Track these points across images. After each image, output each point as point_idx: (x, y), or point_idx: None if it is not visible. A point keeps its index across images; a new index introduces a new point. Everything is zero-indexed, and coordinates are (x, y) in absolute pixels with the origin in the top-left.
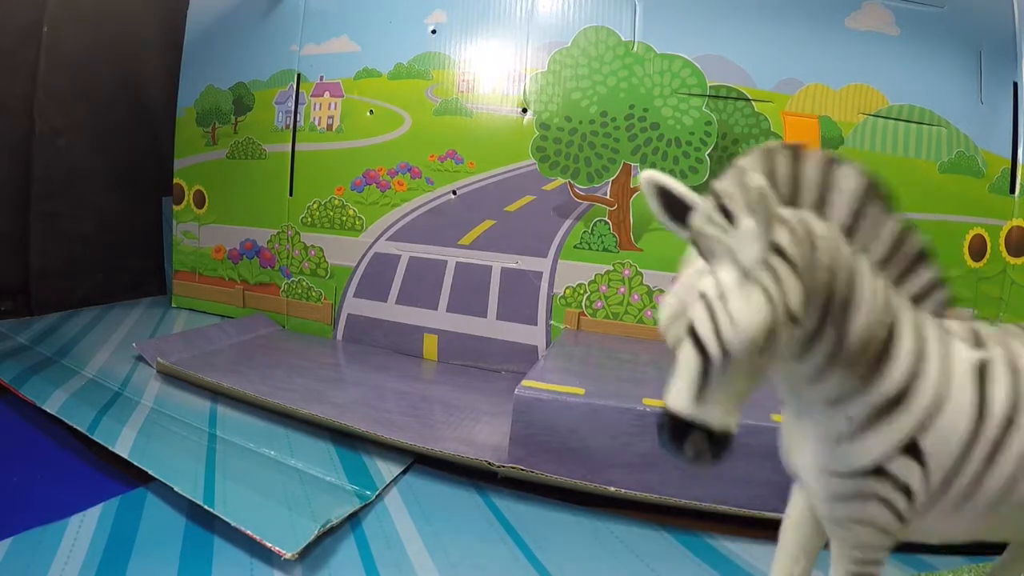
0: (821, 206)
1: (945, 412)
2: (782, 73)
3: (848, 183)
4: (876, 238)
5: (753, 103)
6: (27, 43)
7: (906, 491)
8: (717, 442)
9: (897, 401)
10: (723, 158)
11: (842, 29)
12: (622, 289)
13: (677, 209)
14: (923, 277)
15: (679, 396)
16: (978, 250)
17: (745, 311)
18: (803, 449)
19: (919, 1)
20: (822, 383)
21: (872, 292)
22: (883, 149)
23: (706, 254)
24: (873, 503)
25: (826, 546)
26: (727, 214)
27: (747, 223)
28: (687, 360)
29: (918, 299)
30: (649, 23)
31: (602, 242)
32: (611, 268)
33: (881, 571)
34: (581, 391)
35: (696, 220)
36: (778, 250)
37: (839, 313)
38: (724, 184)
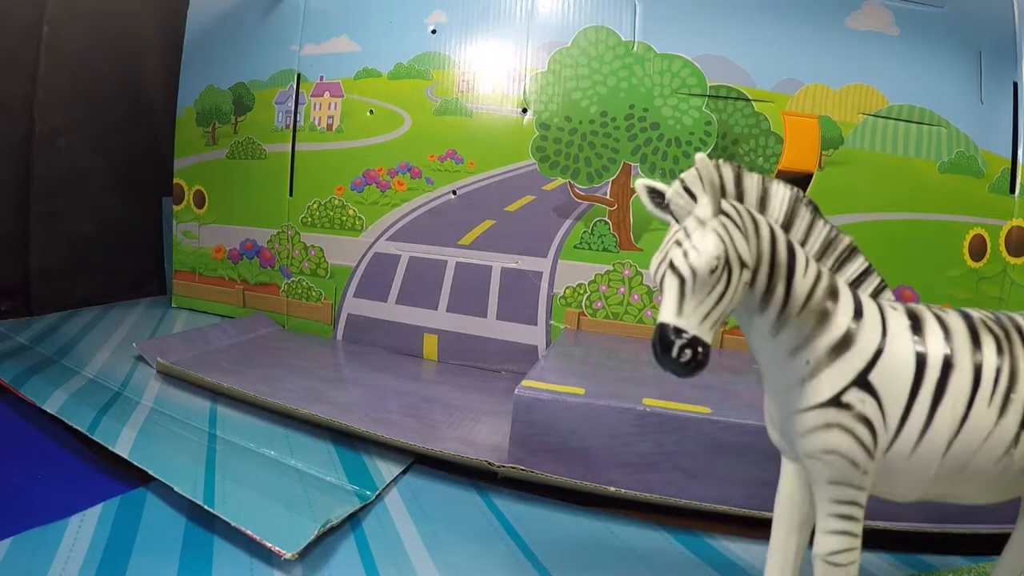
0: (761, 208)
1: (887, 354)
2: (782, 73)
3: (781, 193)
4: (809, 236)
5: (753, 103)
6: (27, 43)
7: (865, 421)
8: (696, 345)
9: (844, 344)
10: (723, 158)
11: (842, 29)
12: (622, 289)
13: (659, 200)
14: (856, 266)
15: (665, 311)
16: (978, 250)
17: (703, 242)
18: (777, 403)
19: (919, 1)
20: (781, 336)
21: (808, 265)
22: (883, 149)
23: (678, 218)
24: (837, 431)
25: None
26: (690, 194)
27: (703, 198)
28: (669, 285)
29: (855, 284)
30: (649, 23)
31: (602, 242)
32: (611, 268)
33: (859, 524)
34: (581, 391)
35: (669, 194)
36: (726, 214)
37: (783, 276)
38: (686, 174)
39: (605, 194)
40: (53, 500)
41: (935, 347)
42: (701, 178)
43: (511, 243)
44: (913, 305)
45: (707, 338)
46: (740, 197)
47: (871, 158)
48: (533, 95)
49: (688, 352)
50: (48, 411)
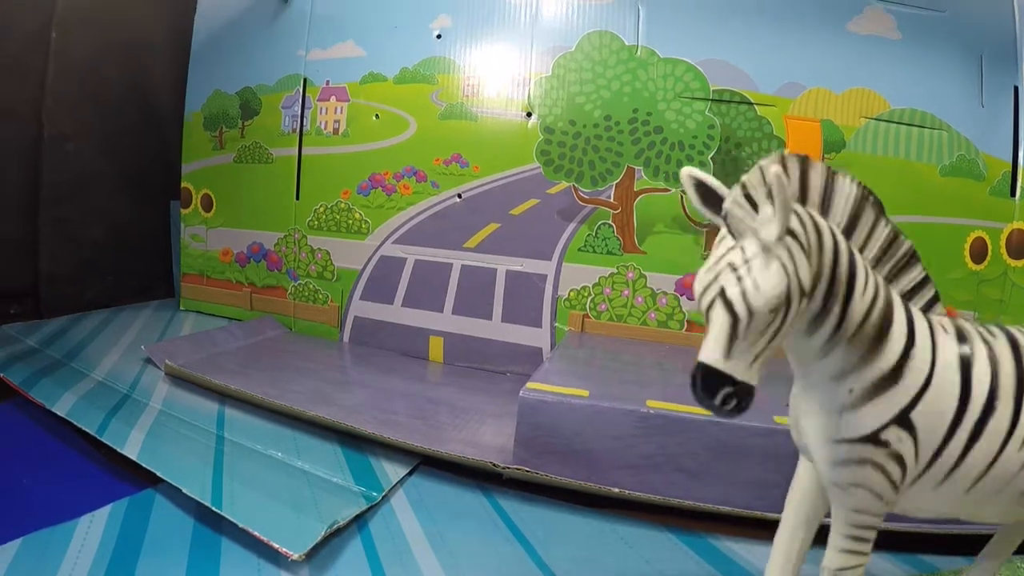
0: (824, 207)
1: (933, 390)
2: (784, 77)
3: (846, 190)
4: (870, 239)
5: (756, 107)
6: (36, 49)
7: (899, 459)
8: (741, 394)
9: (892, 378)
10: (726, 162)
11: (844, 33)
12: (626, 292)
13: (710, 198)
14: (912, 276)
15: (711, 350)
16: (979, 253)
17: (766, 278)
18: (810, 420)
19: (920, 6)
20: (828, 358)
21: (867, 281)
22: (885, 152)
23: (735, 233)
24: (869, 468)
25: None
26: (751, 202)
27: (767, 209)
28: (718, 320)
29: (908, 296)
30: (652, 28)
31: (606, 245)
32: (615, 271)
33: (870, 545)
34: (585, 393)
35: (727, 204)
36: (792, 233)
37: (841, 296)
38: (749, 177)
39: (609, 197)
40: (62, 501)
41: (980, 384)
42: (768, 186)
43: (516, 246)
44: (962, 324)
45: (754, 382)
46: (803, 196)
47: (873, 161)
48: (537, 99)
49: (733, 401)
50: (57, 413)
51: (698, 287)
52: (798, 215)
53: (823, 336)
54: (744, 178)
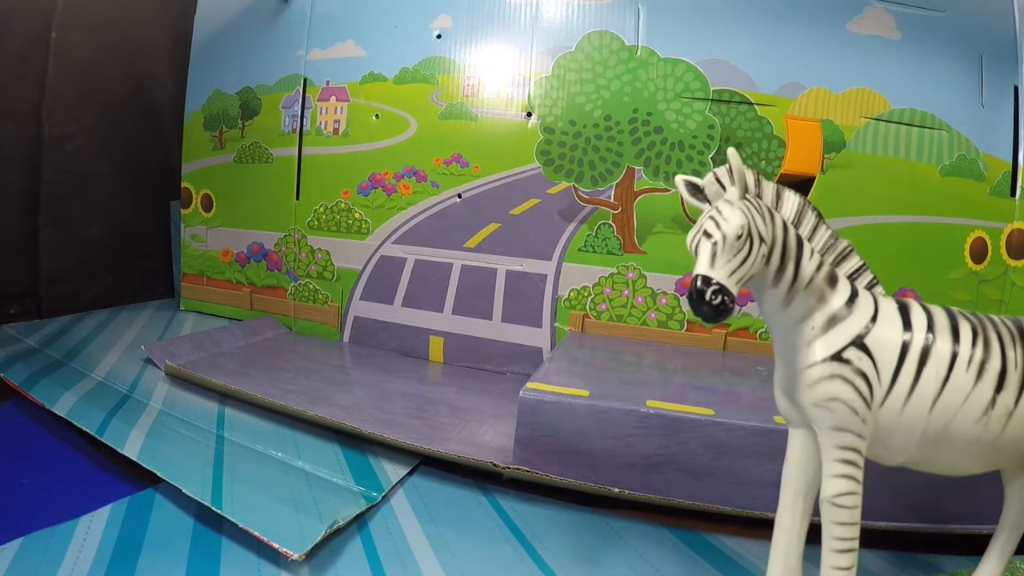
0: (776, 207)
1: (879, 323)
2: (784, 77)
3: (792, 198)
4: (813, 236)
5: (756, 107)
6: (36, 49)
7: (862, 376)
8: (726, 292)
9: (844, 314)
10: (726, 162)
11: (844, 33)
12: (626, 292)
13: (697, 193)
14: (852, 263)
15: (700, 266)
16: (979, 253)
17: (732, 214)
18: (787, 365)
19: (920, 6)
20: (791, 306)
21: (812, 253)
22: (885, 152)
23: (711, 201)
24: (839, 381)
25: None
26: (720, 184)
27: (731, 186)
28: (703, 246)
29: (851, 277)
30: (652, 27)
31: (606, 245)
32: (615, 271)
33: (860, 472)
34: (585, 393)
35: (705, 183)
36: (748, 201)
37: (793, 257)
38: (717, 169)
39: (609, 197)
40: (62, 501)
41: (920, 320)
42: (731, 171)
43: (516, 246)
44: (899, 298)
45: (733, 290)
46: (759, 196)
47: (873, 161)
48: (537, 99)
49: (718, 296)
50: (57, 413)
51: (689, 237)
52: (752, 201)
53: (784, 287)
54: (714, 169)
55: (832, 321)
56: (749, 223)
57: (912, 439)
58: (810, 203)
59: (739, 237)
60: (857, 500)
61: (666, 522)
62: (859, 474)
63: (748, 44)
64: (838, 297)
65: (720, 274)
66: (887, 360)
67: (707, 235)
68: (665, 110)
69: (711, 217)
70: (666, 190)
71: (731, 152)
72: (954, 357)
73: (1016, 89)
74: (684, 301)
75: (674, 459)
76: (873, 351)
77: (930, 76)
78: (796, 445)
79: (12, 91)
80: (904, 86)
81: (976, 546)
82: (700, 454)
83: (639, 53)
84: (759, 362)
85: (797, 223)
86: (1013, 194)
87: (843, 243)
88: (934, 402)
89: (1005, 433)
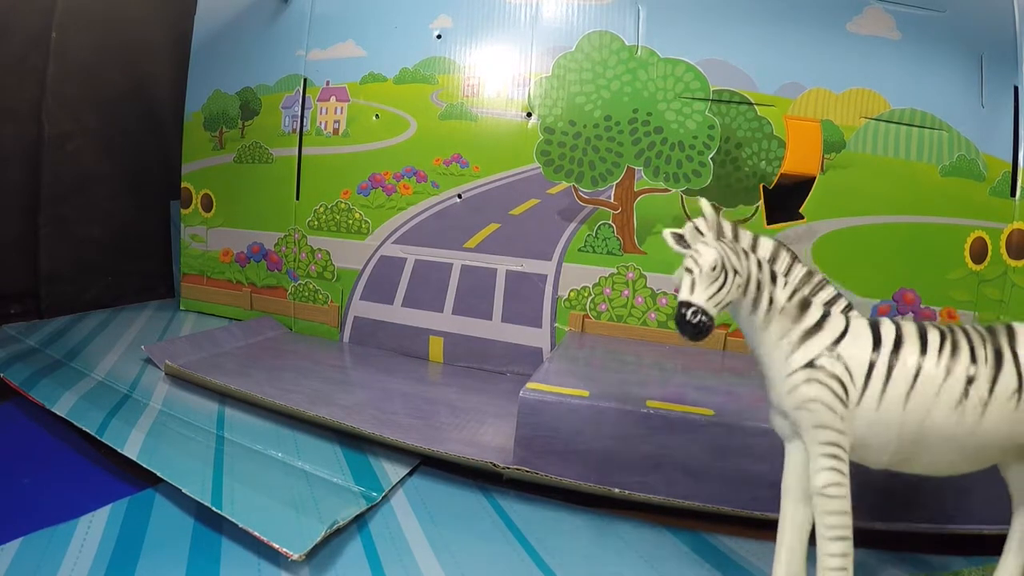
0: (753, 249)
1: (850, 335)
2: (784, 77)
3: (768, 243)
4: (789, 274)
5: (756, 107)
6: (36, 49)
7: (836, 379)
8: (704, 313)
9: (816, 328)
10: (726, 162)
11: (844, 33)
12: (626, 292)
13: (681, 242)
14: (827, 292)
15: (683, 293)
16: (979, 253)
17: (706, 251)
18: (772, 380)
19: (920, 6)
20: (769, 328)
21: (786, 283)
22: (885, 152)
23: (691, 246)
24: (816, 384)
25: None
26: (700, 231)
27: (708, 232)
28: (684, 279)
29: (826, 304)
30: (652, 28)
31: (606, 245)
32: (615, 271)
33: (845, 466)
34: (586, 393)
35: (686, 232)
36: (723, 241)
37: (767, 288)
38: (697, 220)
39: (609, 198)
40: (62, 501)
41: (889, 329)
42: (707, 220)
43: (516, 246)
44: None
45: (712, 312)
46: (736, 238)
47: (873, 161)
48: (537, 99)
49: (697, 316)
50: (57, 413)
51: (675, 275)
52: (727, 243)
53: (761, 312)
54: (694, 220)
55: (806, 335)
56: (723, 258)
57: (891, 436)
58: (784, 245)
59: (714, 268)
60: (844, 491)
61: (666, 522)
62: (844, 467)
63: (748, 44)
64: (810, 317)
65: (699, 299)
66: (859, 364)
67: (687, 270)
68: (665, 110)
69: (691, 255)
70: (666, 190)
71: (703, 202)
72: (923, 352)
73: (1016, 89)
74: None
75: (674, 459)
76: (844, 356)
77: (930, 76)
78: (793, 457)
79: (12, 91)
80: (904, 86)
81: (976, 546)
82: (700, 454)
83: (639, 53)
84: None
85: (772, 261)
86: (1013, 194)
87: (818, 276)
88: (907, 396)
89: (983, 425)
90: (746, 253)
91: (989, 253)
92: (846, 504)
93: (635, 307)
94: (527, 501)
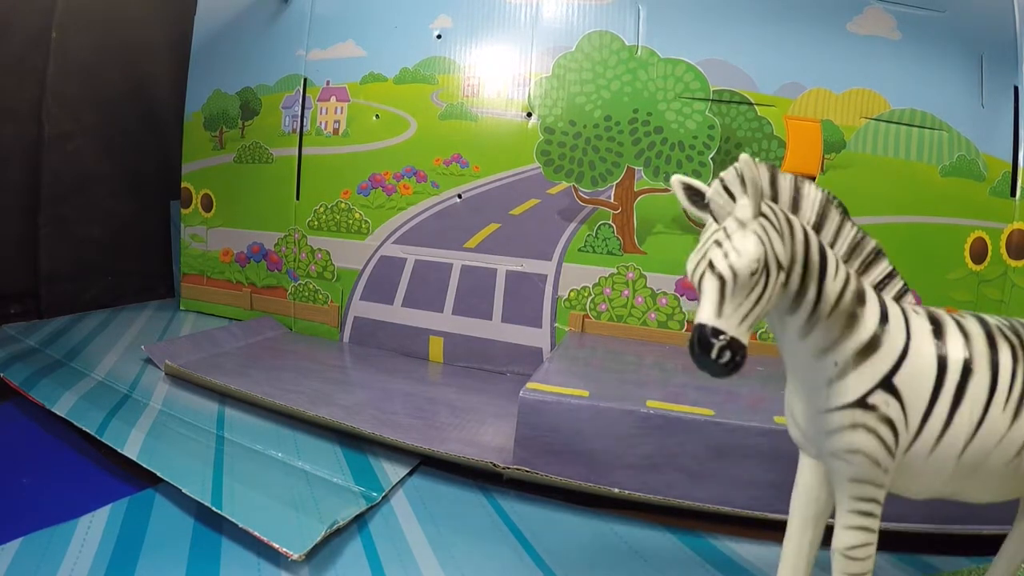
0: (794, 209)
1: (911, 358)
2: (785, 77)
3: (812, 194)
4: (838, 238)
5: (756, 107)
6: (36, 49)
7: (889, 423)
8: (735, 347)
9: (871, 348)
10: (726, 162)
11: (844, 34)
12: (626, 292)
13: (696, 199)
14: (881, 269)
15: (705, 312)
16: (979, 253)
17: (745, 245)
18: (803, 403)
19: (920, 6)
20: (810, 337)
21: (838, 268)
22: (885, 153)
23: (717, 218)
24: (862, 432)
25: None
26: (730, 194)
27: (742, 198)
28: (708, 285)
29: (878, 287)
30: (652, 28)
31: (606, 245)
32: (615, 271)
33: (877, 521)
34: (585, 393)
35: (710, 194)
36: (764, 216)
37: (815, 277)
38: (726, 173)
39: (609, 198)
40: (62, 501)
41: (955, 351)
42: (743, 179)
43: (516, 246)
44: (933, 309)
45: (744, 340)
46: (774, 197)
47: (873, 162)
48: (538, 99)
49: (727, 354)
50: (57, 413)
51: (690, 266)
52: (769, 207)
53: (804, 314)
54: (722, 174)
55: (858, 357)
56: (766, 251)
57: (938, 480)
58: (833, 196)
59: (754, 273)
60: (871, 552)
61: (666, 522)
62: (875, 524)
63: (748, 44)
64: (866, 324)
65: (730, 323)
66: (918, 402)
67: (712, 270)
68: (665, 110)
69: (717, 243)
70: (666, 190)
71: (744, 157)
72: (992, 393)
73: (1016, 89)
74: (684, 301)
75: (674, 459)
76: (902, 392)
77: (930, 76)
78: (806, 472)
79: (12, 91)
80: (904, 86)
81: (976, 547)
82: (700, 454)
83: (639, 53)
84: (759, 362)
85: (819, 225)
86: (1013, 194)
87: (870, 244)
88: (966, 444)
89: None
90: (789, 224)
91: (989, 253)
92: (869, 565)
93: (635, 307)
94: (527, 501)
